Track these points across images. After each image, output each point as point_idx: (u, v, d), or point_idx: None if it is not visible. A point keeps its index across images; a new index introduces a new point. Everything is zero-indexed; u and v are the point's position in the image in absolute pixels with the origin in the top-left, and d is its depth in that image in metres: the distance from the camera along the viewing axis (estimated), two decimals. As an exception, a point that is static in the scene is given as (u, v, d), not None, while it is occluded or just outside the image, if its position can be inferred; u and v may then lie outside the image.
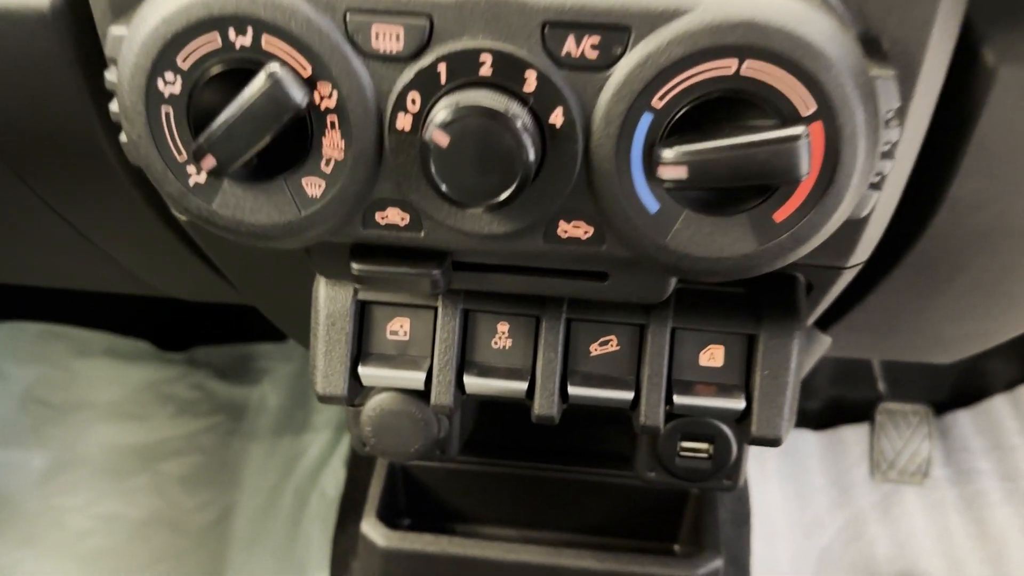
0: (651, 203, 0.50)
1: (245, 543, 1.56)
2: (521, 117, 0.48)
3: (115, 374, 1.76)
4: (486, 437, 1.02)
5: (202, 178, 0.52)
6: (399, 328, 0.70)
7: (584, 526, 1.04)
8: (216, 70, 0.49)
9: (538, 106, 0.49)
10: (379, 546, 0.94)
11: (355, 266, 0.57)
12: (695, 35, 0.46)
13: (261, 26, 0.48)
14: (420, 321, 0.69)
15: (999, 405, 1.73)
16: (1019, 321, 0.87)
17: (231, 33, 0.48)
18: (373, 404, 0.77)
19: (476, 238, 0.53)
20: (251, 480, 1.64)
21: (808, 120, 0.47)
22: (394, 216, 0.54)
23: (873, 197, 0.53)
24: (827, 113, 0.47)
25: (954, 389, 1.74)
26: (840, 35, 0.47)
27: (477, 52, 0.48)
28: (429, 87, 0.49)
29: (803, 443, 1.71)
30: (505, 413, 0.99)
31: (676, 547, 1.04)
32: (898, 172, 0.59)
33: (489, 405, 0.98)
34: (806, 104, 0.47)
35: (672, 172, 0.48)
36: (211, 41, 0.48)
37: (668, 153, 0.48)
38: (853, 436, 1.72)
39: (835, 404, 1.75)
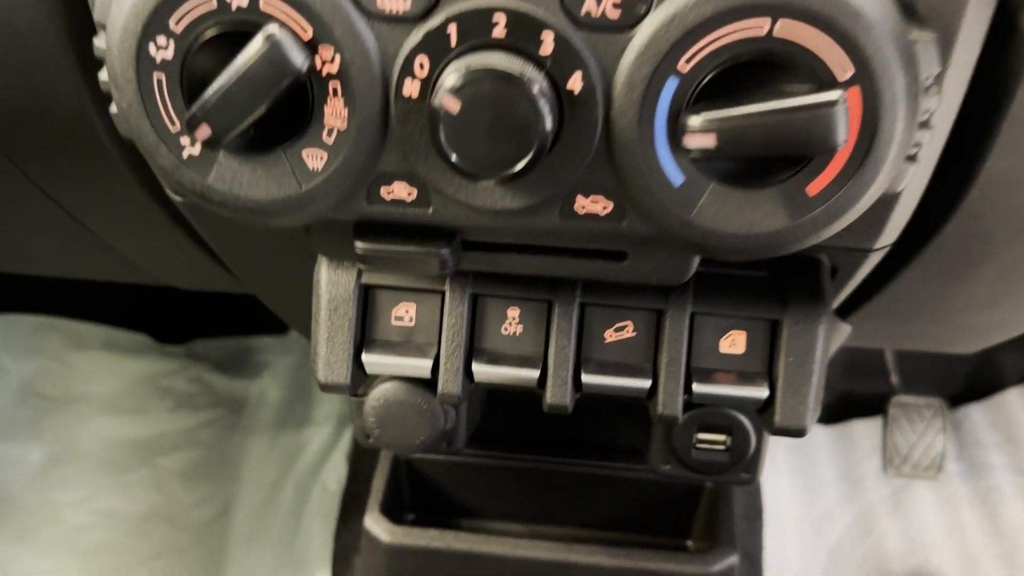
0: (675, 175, 0.47)
1: (245, 539, 1.54)
2: (537, 82, 0.45)
3: (113, 367, 1.74)
4: (494, 429, 0.99)
5: (196, 150, 0.49)
6: (404, 313, 0.67)
7: (594, 521, 1.01)
8: (211, 33, 0.46)
9: (555, 70, 0.46)
10: (383, 541, 0.91)
11: (359, 245, 0.54)
12: None
13: None
14: (426, 306, 0.66)
15: (1013, 399, 1.71)
16: (1048, 309, 0.84)
17: None
18: (377, 394, 0.75)
19: (488, 214, 0.50)
20: (251, 475, 1.63)
21: (845, 85, 0.45)
22: (400, 191, 0.51)
23: (909, 170, 0.50)
24: (866, 78, 0.45)
25: (967, 382, 1.72)
26: None
27: (490, 11, 0.45)
28: (438, 50, 0.46)
29: (812, 437, 1.69)
30: (514, 404, 0.96)
31: (689, 543, 1.01)
32: (931, 147, 0.56)
33: (497, 395, 0.96)
34: (843, 68, 0.44)
35: (699, 141, 0.45)
36: (205, 2, 0.46)
37: (695, 120, 0.45)
38: (864, 430, 1.70)
39: (845, 397, 1.72)
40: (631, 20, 0.45)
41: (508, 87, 0.44)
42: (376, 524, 0.93)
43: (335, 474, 1.57)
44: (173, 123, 0.48)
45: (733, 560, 0.89)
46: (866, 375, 1.71)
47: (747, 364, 0.65)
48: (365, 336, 0.67)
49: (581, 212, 0.50)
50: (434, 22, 0.45)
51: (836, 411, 1.71)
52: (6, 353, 1.73)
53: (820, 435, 1.70)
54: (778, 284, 0.65)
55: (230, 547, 1.53)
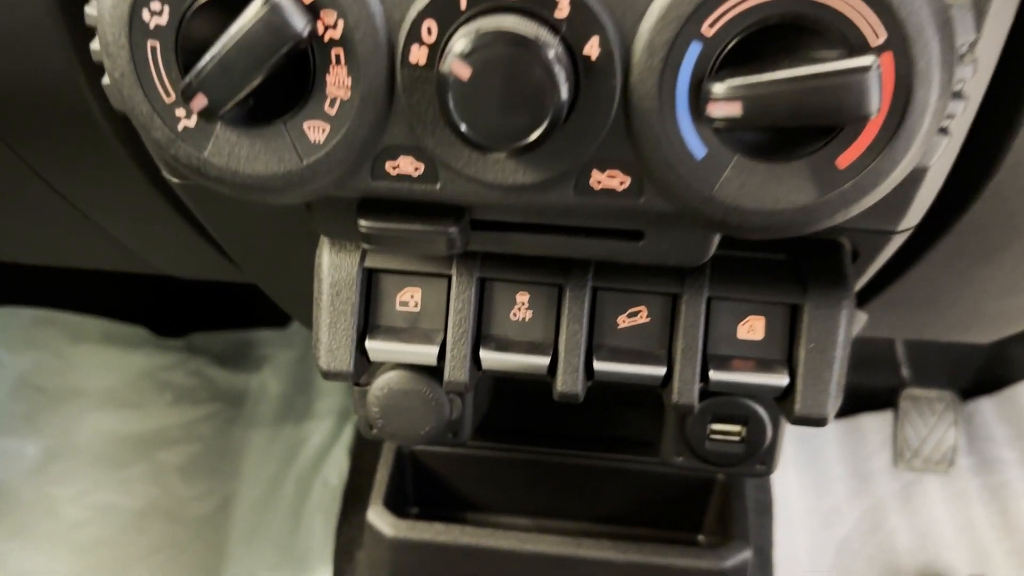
0: (697, 147, 0.45)
1: (245, 534, 1.53)
2: (552, 47, 0.42)
3: (111, 361, 1.73)
4: (500, 420, 0.97)
5: (192, 122, 0.47)
6: (409, 299, 0.64)
7: (603, 515, 0.99)
8: None
9: (571, 35, 0.43)
10: (387, 536, 0.89)
11: (363, 223, 0.52)
12: None
13: None
14: (432, 291, 0.64)
15: (1024, 392, 1.69)
16: (1071, 296, 0.82)
17: None
18: (381, 383, 0.73)
19: (498, 190, 0.48)
20: (251, 469, 1.61)
21: (878, 51, 0.42)
22: (407, 165, 0.48)
23: (941, 143, 0.48)
24: (899, 43, 0.42)
25: (978, 376, 1.70)
26: None
27: None
28: (447, 13, 0.44)
29: (821, 430, 1.67)
30: (521, 394, 0.94)
31: (700, 537, 0.99)
32: (961, 121, 0.54)
33: (504, 386, 0.93)
34: (876, 33, 0.42)
35: (724, 109, 0.42)
36: None
37: (719, 87, 0.42)
38: (873, 424, 1.68)
39: (854, 391, 1.69)
40: None
41: (521, 52, 0.42)
42: (379, 518, 0.90)
43: (337, 468, 1.56)
44: (168, 93, 0.46)
45: (747, 555, 0.87)
46: (875, 368, 1.69)
47: (766, 351, 0.63)
48: (369, 322, 0.65)
49: (597, 188, 0.48)
50: None
51: (845, 404, 1.68)
52: (3, 346, 1.72)
53: (828, 429, 1.68)
54: (798, 268, 0.63)
55: (230, 542, 1.52)
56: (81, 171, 0.77)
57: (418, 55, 0.45)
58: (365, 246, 0.53)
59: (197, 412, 1.68)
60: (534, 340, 0.63)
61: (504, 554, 0.88)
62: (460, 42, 0.42)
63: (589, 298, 0.62)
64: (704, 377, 0.62)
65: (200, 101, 0.44)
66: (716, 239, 0.54)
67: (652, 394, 0.66)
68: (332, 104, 0.46)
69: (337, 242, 0.64)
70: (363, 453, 1.52)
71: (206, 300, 1.79)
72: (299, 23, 0.43)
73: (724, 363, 0.62)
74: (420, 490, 1.00)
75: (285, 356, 1.76)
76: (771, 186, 0.45)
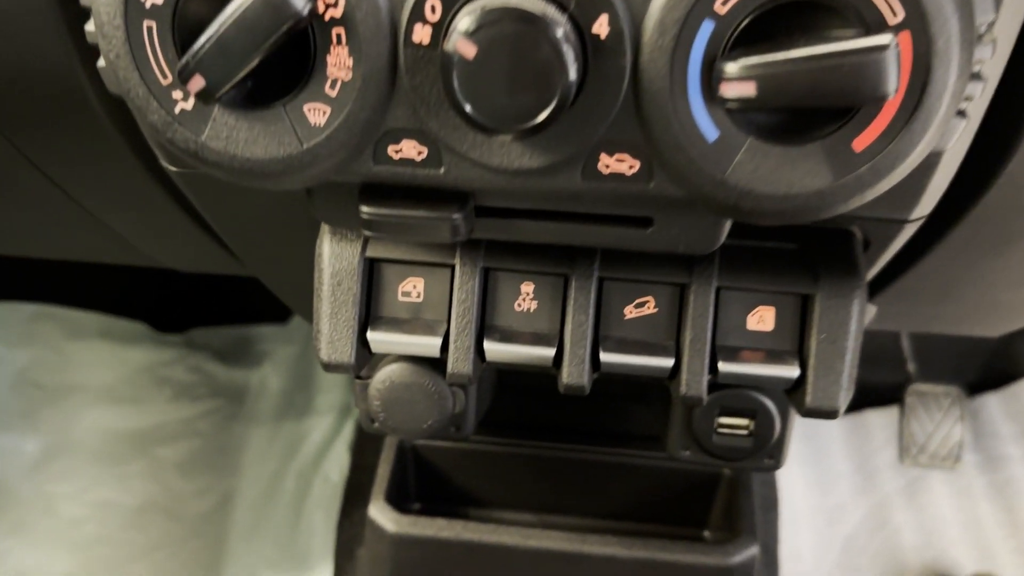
0: (709, 129, 0.43)
1: (245, 531, 1.52)
2: (560, 25, 0.41)
3: (110, 356, 1.72)
4: (503, 415, 0.95)
5: (189, 104, 0.46)
6: (412, 289, 0.63)
7: (607, 511, 0.98)
8: None
9: (579, 13, 0.42)
10: (388, 531, 0.88)
11: (364, 209, 0.50)
12: None
13: None
14: (435, 281, 0.62)
15: (1030, 389, 1.68)
16: (1084, 287, 0.81)
17: None
18: (383, 376, 0.71)
19: (504, 174, 0.46)
20: (251, 466, 1.61)
21: (896, 29, 0.41)
22: (409, 149, 0.47)
23: (959, 127, 0.47)
24: (917, 21, 0.41)
25: (983, 371, 1.69)
26: None
27: None
28: None
29: (825, 427, 1.66)
30: (525, 388, 0.92)
31: (706, 533, 0.98)
32: (977, 105, 0.52)
33: (508, 379, 0.92)
34: (893, 10, 0.41)
35: (737, 89, 0.41)
36: None
37: (732, 67, 0.41)
38: (878, 420, 1.67)
39: (859, 386, 1.68)
40: None
41: (528, 29, 0.40)
42: (381, 513, 0.89)
43: (337, 464, 1.55)
44: (164, 75, 0.45)
45: (754, 551, 0.86)
46: (880, 363, 1.68)
47: (776, 342, 0.61)
48: (370, 313, 0.63)
49: (605, 172, 0.47)
50: None
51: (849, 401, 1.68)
52: (1, 342, 1.71)
53: (833, 425, 1.67)
54: (809, 257, 0.62)
55: (230, 539, 1.51)
56: (78, 162, 0.76)
57: (422, 34, 0.43)
58: (367, 233, 0.52)
59: (197, 408, 1.68)
60: (539, 331, 0.62)
61: (507, 550, 0.87)
62: (465, 20, 0.41)
63: (595, 288, 0.61)
64: (713, 369, 0.61)
65: (197, 82, 0.43)
66: (727, 226, 0.53)
67: (657, 388, 0.65)
68: (333, 86, 0.44)
69: (338, 231, 0.62)
70: (364, 449, 1.51)
71: (206, 295, 1.78)
72: (299, 1, 0.42)
73: (733, 354, 0.61)
74: (422, 485, 0.99)
75: (285, 352, 1.75)
76: (785, 170, 0.44)
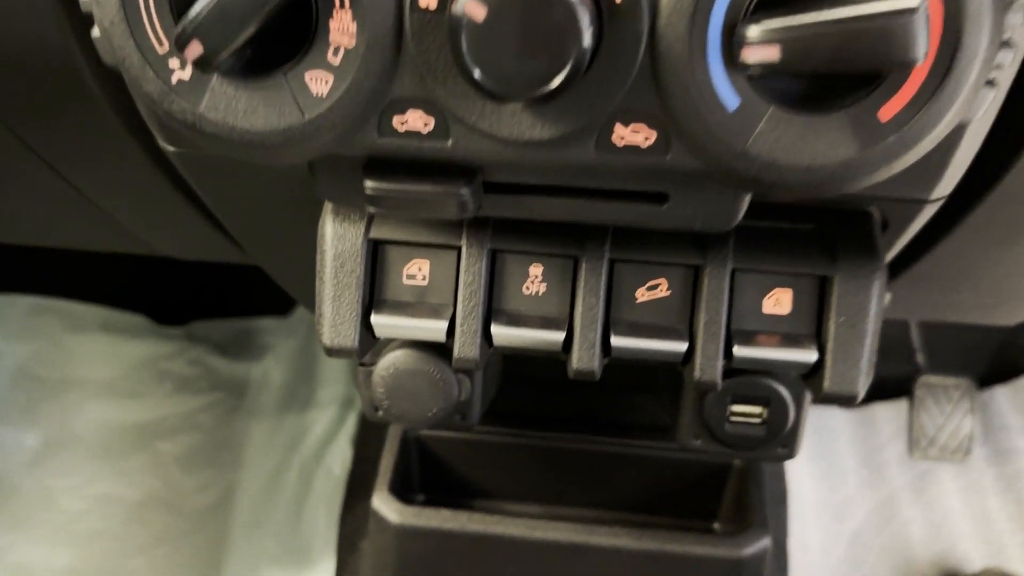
0: (730, 97, 0.42)
1: (247, 525, 1.51)
2: None
3: (110, 350, 1.71)
4: (509, 405, 0.93)
5: (187, 73, 0.44)
6: (417, 271, 0.61)
7: (615, 502, 0.96)
8: None
9: None
10: (392, 523, 0.86)
11: (368, 184, 0.48)
12: None
13: None
14: (441, 263, 0.61)
15: (1040, 381, 1.66)
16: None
17: None
18: (387, 363, 0.70)
19: (514, 146, 0.45)
20: (253, 459, 1.59)
21: None
22: (416, 120, 0.45)
23: (988, 97, 0.45)
24: None
25: (992, 363, 1.67)
26: None
27: None
28: None
29: (832, 421, 1.65)
30: (531, 377, 0.91)
31: (716, 525, 0.96)
32: (1006, 75, 0.51)
33: (514, 368, 0.90)
34: None
35: (760, 54, 0.39)
36: None
37: (755, 31, 0.39)
38: (886, 413, 1.65)
39: (867, 379, 1.67)
40: None
41: None
42: (385, 504, 0.87)
43: (340, 458, 1.54)
44: (161, 43, 0.43)
45: (765, 543, 0.84)
46: (889, 356, 1.66)
47: (793, 325, 0.60)
48: (374, 296, 0.62)
49: (620, 144, 0.45)
50: None
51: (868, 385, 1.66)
52: (0, 335, 1.70)
53: (840, 419, 1.65)
54: (826, 238, 0.60)
55: (231, 534, 1.50)
56: (75, 145, 0.75)
57: None
58: (371, 210, 0.50)
59: (198, 402, 1.66)
60: (548, 315, 0.60)
61: (513, 542, 0.85)
62: None
63: (606, 270, 0.59)
64: (728, 353, 0.59)
65: (195, 49, 0.41)
66: (745, 201, 0.51)
67: (666, 378, 0.63)
68: (336, 53, 0.43)
69: (341, 212, 0.61)
70: (367, 442, 1.49)
71: (206, 288, 1.76)
72: None
73: (749, 338, 0.59)
74: (426, 476, 0.97)
75: (287, 345, 1.73)
76: (809, 140, 0.42)
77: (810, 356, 0.59)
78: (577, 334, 0.59)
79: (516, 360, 0.85)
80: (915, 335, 1.64)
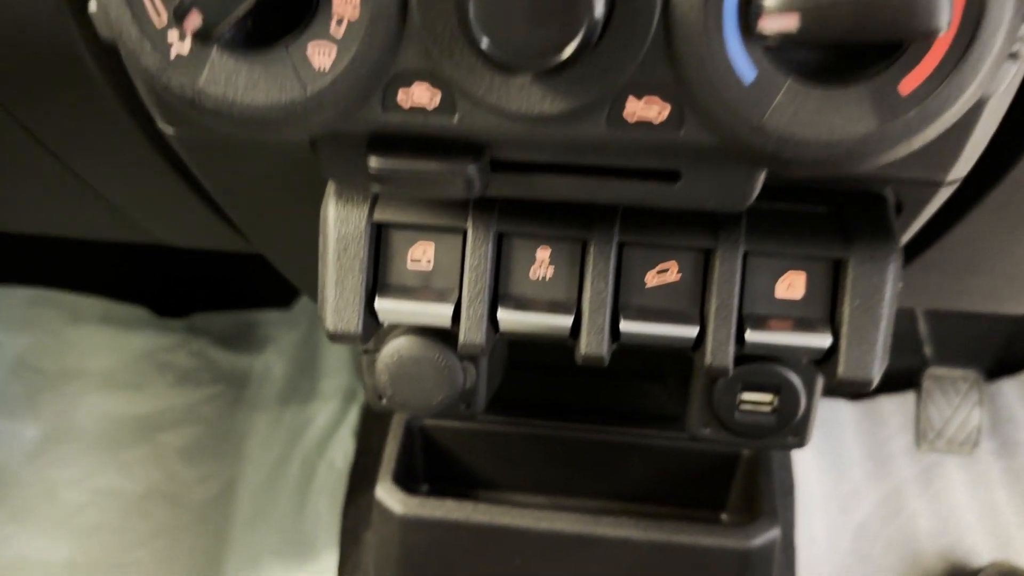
0: (746, 69, 0.40)
1: (249, 517, 1.50)
2: None
3: (111, 341, 1.70)
4: (515, 393, 0.92)
5: (185, 48, 0.43)
6: (421, 255, 0.60)
7: (622, 492, 0.94)
8: None
9: None
10: (396, 513, 0.85)
11: (373, 161, 0.47)
12: None
13: None
14: (446, 246, 0.59)
15: (1047, 373, 1.65)
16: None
17: None
18: (391, 350, 0.69)
19: (522, 120, 0.43)
20: (255, 452, 1.58)
21: None
22: (421, 95, 0.44)
23: (1011, 71, 0.44)
24: None
25: (1000, 355, 1.65)
26: None
27: None
28: None
29: (838, 413, 1.63)
30: (537, 366, 0.89)
31: (724, 515, 0.95)
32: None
33: (519, 357, 0.89)
34: None
35: (779, 22, 0.38)
36: None
37: None
38: (892, 406, 1.64)
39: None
40: None
41: None
42: (388, 495, 0.86)
43: (342, 450, 1.53)
44: (159, 15, 0.42)
45: (774, 533, 0.83)
46: (895, 348, 1.64)
47: (807, 309, 0.58)
48: (378, 280, 0.60)
49: (632, 119, 0.43)
50: None
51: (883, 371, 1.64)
52: (0, 327, 1.69)
53: (846, 412, 1.64)
54: (840, 221, 0.58)
55: (233, 526, 1.49)
56: (75, 129, 0.73)
57: None
58: (375, 189, 0.49)
59: (199, 394, 1.65)
60: (556, 299, 0.59)
61: (519, 532, 0.84)
62: None
63: (615, 254, 0.58)
64: (740, 338, 0.58)
65: (194, 20, 0.40)
66: (760, 179, 0.50)
67: (674, 365, 0.62)
68: (339, 24, 0.41)
69: (344, 194, 0.59)
70: (369, 434, 1.48)
71: (208, 280, 1.75)
72: None
73: (761, 323, 0.58)
74: (430, 466, 0.96)
75: (289, 337, 1.72)
76: (827, 114, 0.41)
77: (824, 341, 0.57)
78: (585, 319, 0.58)
79: (521, 347, 0.83)
80: (923, 327, 1.63)
